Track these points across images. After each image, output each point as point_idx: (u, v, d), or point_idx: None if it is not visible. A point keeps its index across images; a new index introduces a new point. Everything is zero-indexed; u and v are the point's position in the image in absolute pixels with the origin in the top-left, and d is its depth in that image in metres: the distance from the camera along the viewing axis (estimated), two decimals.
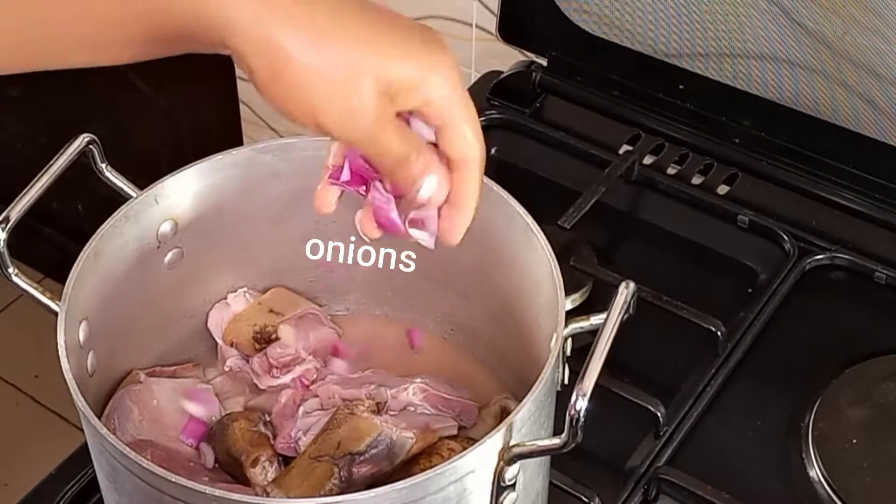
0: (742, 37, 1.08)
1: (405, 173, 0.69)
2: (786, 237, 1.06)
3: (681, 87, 1.15)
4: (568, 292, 1.00)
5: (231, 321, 0.93)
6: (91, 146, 0.84)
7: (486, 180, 0.86)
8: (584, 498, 0.88)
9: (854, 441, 0.93)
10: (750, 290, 1.05)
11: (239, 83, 1.62)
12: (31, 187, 0.81)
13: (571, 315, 0.79)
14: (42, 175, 0.82)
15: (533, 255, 0.83)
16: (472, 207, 0.71)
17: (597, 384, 0.79)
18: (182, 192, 0.87)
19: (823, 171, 1.10)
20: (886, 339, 1.01)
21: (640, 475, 0.91)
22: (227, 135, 1.68)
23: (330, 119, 0.65)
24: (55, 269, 1.84)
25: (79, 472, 0.91)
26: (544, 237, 0.82)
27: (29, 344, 1.77)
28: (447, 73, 0.67)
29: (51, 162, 0.82)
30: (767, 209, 1.09)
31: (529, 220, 0.83)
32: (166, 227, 0.87)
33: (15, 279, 0.82)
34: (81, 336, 0.81)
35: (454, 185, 0.70)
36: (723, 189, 1.13)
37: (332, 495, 0.79)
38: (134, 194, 0.85)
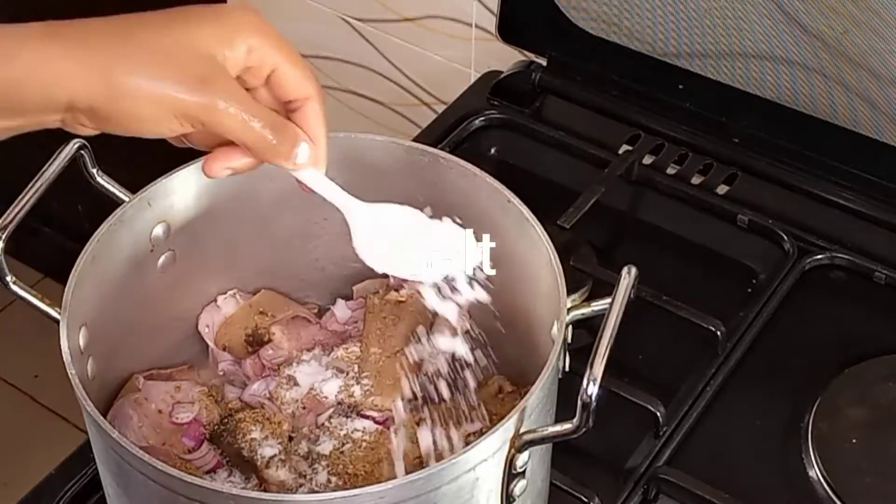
0: (741, 37, 1.08)
1: (276, 152, 0.73)
2: (785, 237, 1.06)
3: (680, 86, 1.15)
4: (568, 292, 1.00)
5: (222, 325, 0.94)
6: (82, 151, 0.85)
7: (479, 171, 0.86)
8: (583, 498, 0.88)
9: (854, 441, 0.93)
10: (749, 290, 1.05)
11: None
12: (24, 196, 0.81)
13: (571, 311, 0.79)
14: (35, 183, 0.82)
15: (530, 244, 0.83)
16: (325, 136, 0.75)
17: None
18: (174, 194, 0.87)
19: (822, 171, 1.10)
20: (886, 339, 1.01)
21: (640, 475, 0.91)
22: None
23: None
24: (55, 269, 1.84)
25: (79, 471, 0.91)
26: (541, 227, 0.82)
27: (28, 344, 1.76)
28: (251, 23, 0.72)
29: (43, 169, 0.83)
30: (767, 209, 1.09)
31: (525, 210, 0.84)
32: (159, 231, 0.87)
33: (13, 287, 0.82)
34: (82, 342, 0.81)
35: (306, 125, 0.74)
36: (722, 189, 1.13)
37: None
38: (126, 198, 0.85)
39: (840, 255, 1.06)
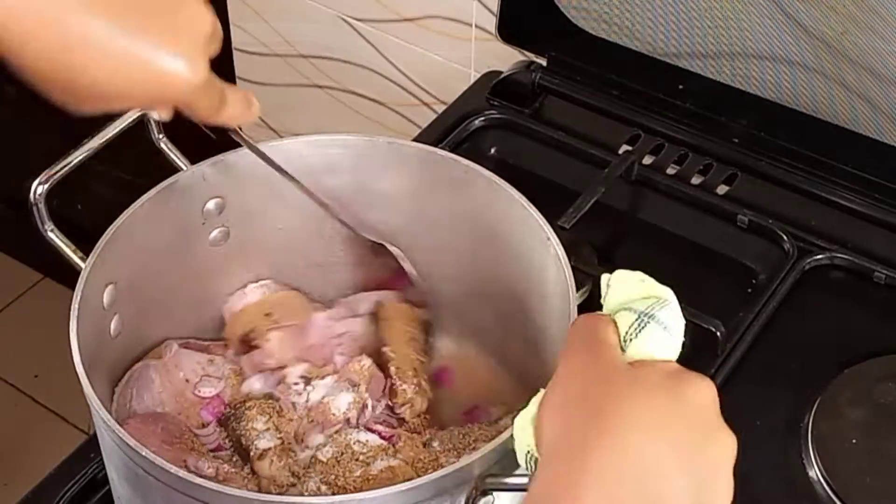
0: (741, 36, 1.08)
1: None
2: (785, 237, 1.06)
3: (680, 86, 1.15)
4: None
5: (235, 315, 0.93)
6: (148, 115, 0.85)
7: (484, 170, 0.86)
8: None
9: (854, 441, 0.93)
10: (749, 290, 1.05)
11: (239, 83, 1.63)
12: (78, 148, 0.82)
13: None
14: (91, 139, 0.83)
15: (544, 254, 0.83)
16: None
17: None
18: (232, 173, 0.87)
19: (822, 171, 1.10)
20: (886, 339, 1.01)
21: None
22: (226, 134, 1.67)
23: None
24: (55, 269, 1.84)
25: (79, 472, 0.91)
26: (556, 238, 0.82)
27: (29, 344, 1.76)
28: None
29: (104, 128, 0.83)
30: (767, 209, 1.09)
31: (544, 223, 0.84)
32: (212, 205, 0.88)
33: (50, 234, 0.83)
34: (106, 299, 0.81)
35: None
36: (722, 189, 1.13)
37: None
38: (185, 168, 0.86)
39: (840, 255, 1.06)
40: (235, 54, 1.59)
